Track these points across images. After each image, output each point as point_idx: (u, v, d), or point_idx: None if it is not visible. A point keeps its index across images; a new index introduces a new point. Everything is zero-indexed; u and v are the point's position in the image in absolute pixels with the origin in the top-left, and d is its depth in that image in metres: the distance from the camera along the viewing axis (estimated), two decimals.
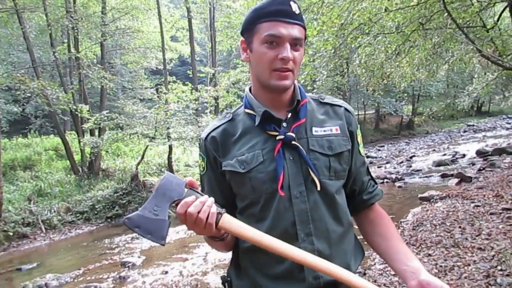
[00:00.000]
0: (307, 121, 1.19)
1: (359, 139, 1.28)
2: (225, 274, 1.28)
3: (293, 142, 1.13)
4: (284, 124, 1.16)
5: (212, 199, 1.02)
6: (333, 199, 1.17)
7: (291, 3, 1.10)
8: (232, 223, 1.04)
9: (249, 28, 1.14)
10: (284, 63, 1.09)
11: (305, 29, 1.15)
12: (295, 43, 1.10)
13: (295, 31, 1.09)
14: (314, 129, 1.19)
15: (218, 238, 1.12)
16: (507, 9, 5.12)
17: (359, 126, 1.30)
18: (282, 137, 1.13)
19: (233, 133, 1.20)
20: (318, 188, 1.13)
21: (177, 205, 1.01)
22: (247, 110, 1.21)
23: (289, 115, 1.17)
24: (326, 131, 1.19)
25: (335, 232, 1.16)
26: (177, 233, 7.43)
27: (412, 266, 1.12)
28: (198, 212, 0.99)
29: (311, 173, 1.13)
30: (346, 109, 1.27)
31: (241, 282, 1.21)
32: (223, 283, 1.25)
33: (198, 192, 1.04)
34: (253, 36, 1.14)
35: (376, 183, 1.34)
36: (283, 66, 1.09)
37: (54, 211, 10.10)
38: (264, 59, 1.11)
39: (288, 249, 1.02)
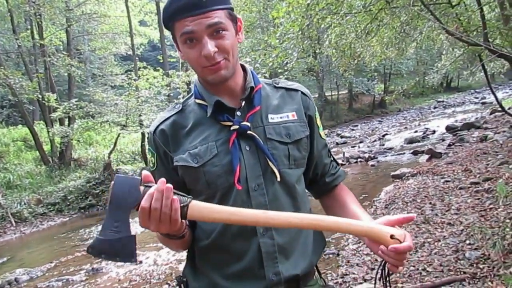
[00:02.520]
0: (262, 109, 1.12)
1: (319, 122, 1.23)
2: (181, 275, 1.21)
3: (249, 132, 1.07)
4: (238, 113, 1.09)
5: (169, 187, 0.88)
6: (293, 189, 1.13)
7: None
8: (202, 211, 0.93)
9: (168, 28, 1.07)
10: (209, 59, 1.01)
11: (226, 8, 1.04)
12: (216, 30, 1.00)
13: (208, 20, 0.99)
14: (270, 116, 1.12)
15: (177, 236, 1.02)
16: None
17: (316, 108, 1.25)
18: (236, 127, 1.06)
19: (184, 125, 1.12)
20: (278, 179, 1.08)
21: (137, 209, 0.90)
22: (197, 101, 1.14)
23: (243, 103, 1.10)
24: (283, 118, 1.13)
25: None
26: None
27: (366, 218, 1.10)
28: (161, 206, 0.88)
29: (270, 164, 1.07)
30: (302, 93, 1.21)
31: (198, 283, 1.14)
32: (178, 284, 1.17)
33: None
34: (175, 37, 1.06)
35: (338, 164, 1.30)
36: (210, 62, 1.01)
37: (25, 204, 9.84)
38: (190, 59, 1.05)
39: (273, 216, 0.93)
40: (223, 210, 0.93)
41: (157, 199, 0.88)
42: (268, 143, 1.09)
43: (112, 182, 0.92)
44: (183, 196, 0.92)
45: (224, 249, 1.06)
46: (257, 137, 1.07)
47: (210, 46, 0.99)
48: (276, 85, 1.21)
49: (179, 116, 1.14)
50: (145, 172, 0.93)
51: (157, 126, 1.14)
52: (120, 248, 0.89)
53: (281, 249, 1.07)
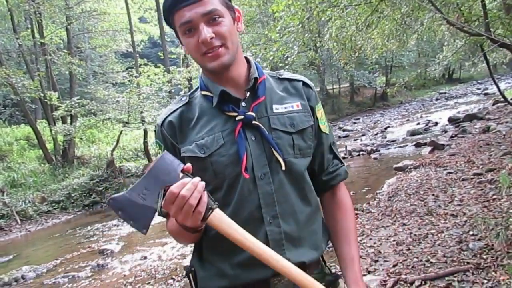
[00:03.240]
0: (266, 99, 1.14)
1: (319, 114, 1.22)
2: (189, 265, 1.22)
3: (254, 122, 1.08)
4: (243, 104, 1.11)
5: (202, 184, 0.92)
6: (300, 178, 1.14)
7: None
8: (222, 220, 0.96)
9: (169, 24, 1.11)
10: (206, 45, 1.03)
11: None
12: (211, 18, 1.03)
13: (201, 7, 1.02)
14: (274, 106, 1.14)
15: (195, 229, 1.02)
16: None
17: (319, 101, 1.25)
18: (241, 117, 1.08)
19: (191, 117, 1.14)
20: (283, 168, 1.09)
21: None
22: (203, 92, 1.15)
23: (248, 94, 1.12)
24: (287, 108, 1.15)
25: (303, 213, 1.12)
26: (156, 217, 7.37)
27: (349, 277, 1.15)
28: (190, 196, 0.90)
29: (275, 153, 1.08)
30: (304, 83, 1.22)
31: (205, 272, 1.15)
32: (187, 274, 1.19)
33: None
34: (175, 30, 1.10)
35: (341, 162, 1.27)
36: (208, 47, 1.04)
37: (29, 202, 9.91)
38: (190, 49, 1.07)
39: (271, 256, 0.97)
40: (240, 231, 0.97)
41: (189, 189, 0.90)
42: (273, 132, 1.10)
43: (159, 156, 0.96)
44: (212, 200, 0.95)
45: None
46: (262, 127, 1.09)
47: (206, 31, 1.01)
48: (280, 77, 1.22)
49: (186, 108, 1.16)
50: (188, 164, 0.96)
51: (165, 118, 1.16)
52: (139, 214, 0.93)
53: (288, 237, 1.08)
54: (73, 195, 10.40)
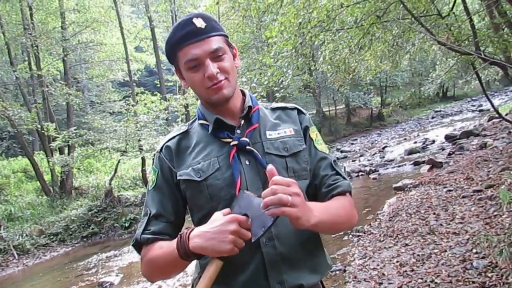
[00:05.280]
0: (260, 126, 1.20)
1: (314, 135, 1.27)
2: None
3: (248, 147, 1.13)
4: (238, 131, 1.17)
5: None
6: None
7: (194, 20, 1.11)
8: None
9: (172, 60, 1.18)
10: (212, 79, 1.10)
11: (222, 35, 1.16)
12: (216, 55, 1.11)
13: (208, 45, 1.11)
14: (268, 132, 1.20)
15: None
16: None
17: (313, 124, 1.31)
18: (236, 142, 1.13)
19: (188, 144, 1.21)
20: None
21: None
22: (200, 121, 1.22)
23: (242, 121, 1.19)
24: (280, 134, 1.21)
25: (300, 235, 1.13)
26: None
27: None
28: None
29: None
30: (298, 110, 1.30)
31: None
32: None
33: None
34: (178, 66, 1.16)
35: (343, 177, 1.26)
36: (213, 81, 1.10)
37: (26, 235, 9.75)
38: (195, 83, 1.14)
39: None
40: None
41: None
42: (266, 157, 1.15)
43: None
44: None
45: (228, 261, 1.07)
46: (256, 151, 1.14)
47: (213, 67, 1.09)
48: (273, 107, 1.30)
49: (184, 136, 1.23)
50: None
51: (164, 144, 1.23)
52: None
53: (285, 258, 1.10)
54: (71, 226, 10.26)
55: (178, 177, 1.16)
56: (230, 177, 1.11)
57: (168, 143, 1.21)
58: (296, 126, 1.24)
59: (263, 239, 1.09)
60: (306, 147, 1.22)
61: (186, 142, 1.21)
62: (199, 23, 1.10)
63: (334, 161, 1.28)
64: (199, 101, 1.27)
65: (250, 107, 1.19)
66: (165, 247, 1.10)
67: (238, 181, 1.09)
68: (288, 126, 1.23)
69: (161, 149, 1.22)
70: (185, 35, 1.10)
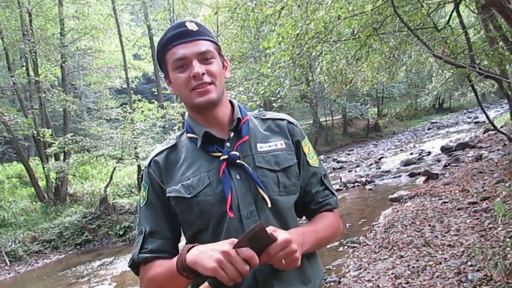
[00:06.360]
0: (250, 138, 1.17)
1: (306, 149, 1.24)
2: None
3: (238, 161, 1.10)
4: (228, 144, 1.14)
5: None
6: (286, 216, 1.15)
7: (187, 23, 1.11)
8: None
9: (161, 63, 1.17)
10: (197, 79, 1.08)
11: (213, 42, 1.15)
12: (204, 57, 1.10)
13: (198, 47, 1.10)
14: (259, 145, 1.17)
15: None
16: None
17: (306, 137, 1.28)
18: (225, 157, 1.10)
19: (177, 159, 1.17)
20: (269, 205, 1.10)
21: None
22: (189, 135, 1.19)
23: (232, 134, 1.15)
24: (271, 146, 1.17)
25: None
26: None
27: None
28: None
29: (260, 191, 1.09)
30: (289, 122, 1.26)
31: None
32: None
33: None
34: (166, 68, 1.15)
35: (332, 194, 1.28)
36: (198, 82, 1.09)
37: (19, 242, 9.67)
38: (180, 83, 1.11)
39: None
40: None
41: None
42: (258, 171, 1.12)
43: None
44: None
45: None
46: (246, 165, 1.11)
47: (199, 67, 1.08)
48: (263, 117, 1.26)
49: (172, 151, 1.19)
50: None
51: (152, 159, 1.19)
52: None
53: (277, 275, 1.08)
54: (64, 233, 10.18)
55: (168, 194, 1.13)
56: (221, 193, 1.08)
57: (156, 158, 1.18)
58: (287, 139, 1.21)
59: None
60: (297, 161, 1.20)
61: (175, 157, 1.17)
62: (192, 26, 1.11)
63: (324, 174, 1.29)
64: (186, 113, 1.24)
65: (239, 119, 1.16)
66: (166, 264, 1.07)
67: (229, 197, 1.07)
68: (279, 139, 1.20)
69: (149, 164, 1.18)
70: (175, 35, 1.10)
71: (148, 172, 1.18)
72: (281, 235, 0.96)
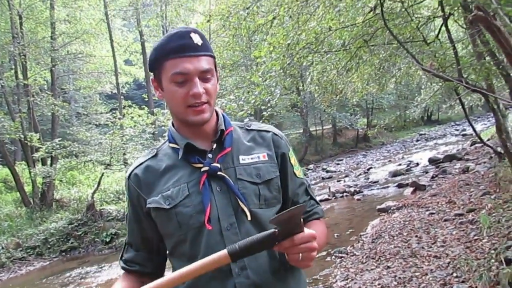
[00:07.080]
0: (233, 150, 1.16)
1: (293, 161, 1.25)
2: None
3: (219, 173, 1.10)
4: (210, 155, 1.13)
5: None
6: (267, 229, 1.13)
7: (192, 34, 1.08)
8: None
9: (155, 67, 1.13)
10: (196, 98, 1.07)
11: (213, 57, 1.14)
12: (205, 75, 1.09)
13: (201, 63, 1.08)
14: (241, 157, 1.16)
15: None
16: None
17: (291, 148, 1.27)
18: (206, 168, 1.10)
19: (157, 169, 1.16)
20: (249, 218, 1.09)
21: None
22: (171, 145, 1.18)
23: (214, 145, 1.15)
24: (254, 159, 1.17)
25: (272, 262, 1.11)
26: None
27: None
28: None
29: (240, 203, 1.09)
30: (274, 134, 1.24)
31: None
32: None
33: None
34: (161, 75, 1.11)
35: (317, 203, 1.30)
36: (197, 101, 1.08)
37: (2, 248, 9.47)
38: (176, 98, 1.09)
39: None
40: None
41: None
42: (239, 183, 1.12)
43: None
44: None
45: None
46: (227, 177, 1.10)
47: (200, 86, 1.06)
48: (248, 128, 1.25)
49: (152, 161, 1.19)
50: None
51: (132, 171, 1.19)
52: None
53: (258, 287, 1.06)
54: (50, 240, 10.01)
55: (148, 205, 1.13)
56: (200, 204, 1.08)
57: (136, 170, 1.18)
58: (270, 151, 1.19)
59: (235, 269, 1.06)
60: (279, 174, 1.19)
61: (155, 167, 1.17)
62: (197, 39, 1.08)
63: (309, 185, 1.30)
64: (169, 122, 1.23)
65: (222, 130, 1.16)
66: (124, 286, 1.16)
67: (208, 209, 1.07)
68: (262, 151, 1.18)
69: (129, 176, 1.19)
70: (180, 46, 1.06)
71: (128, 185, 1.19)
72: (307, 229, 0.97)
